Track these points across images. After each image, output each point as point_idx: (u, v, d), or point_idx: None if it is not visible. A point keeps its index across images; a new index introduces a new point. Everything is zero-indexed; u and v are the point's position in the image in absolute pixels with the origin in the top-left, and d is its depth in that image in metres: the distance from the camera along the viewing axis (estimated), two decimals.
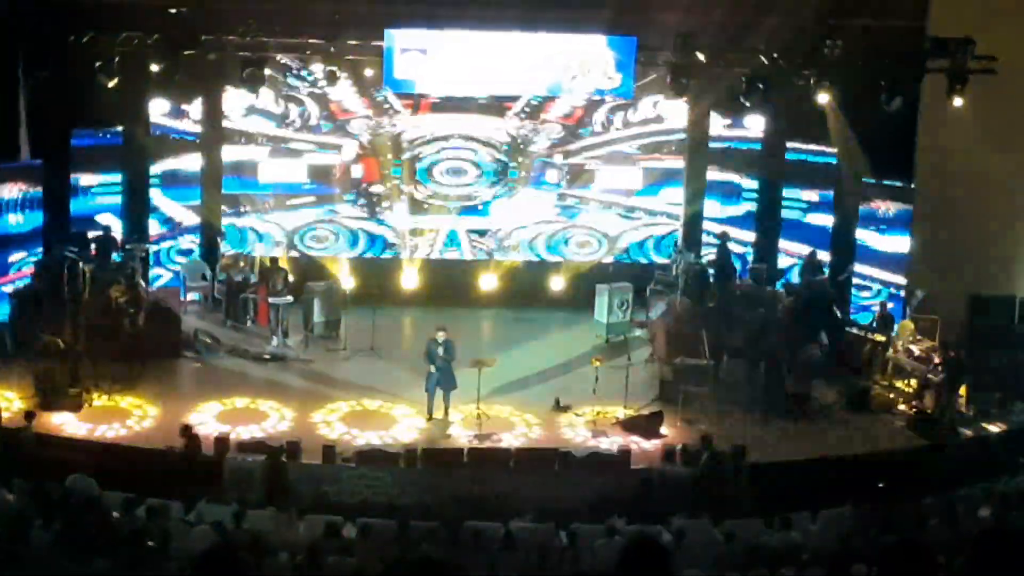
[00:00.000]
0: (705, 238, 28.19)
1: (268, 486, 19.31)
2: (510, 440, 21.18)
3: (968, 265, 26.37)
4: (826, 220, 26.91)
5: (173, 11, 22.67)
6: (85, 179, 25.62)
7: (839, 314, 25.25)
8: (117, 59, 22.93)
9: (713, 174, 28.15)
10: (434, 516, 18.21)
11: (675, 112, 27.96)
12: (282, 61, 26.35)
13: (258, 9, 23.86)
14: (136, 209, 26.45)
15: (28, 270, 24.23)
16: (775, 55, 24.05)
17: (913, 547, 6.12)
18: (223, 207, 27.55)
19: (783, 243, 27.62)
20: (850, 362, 24.14)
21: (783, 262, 27.45)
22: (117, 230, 25.91)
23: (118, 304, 23.59)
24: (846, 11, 24.70)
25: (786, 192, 27.56)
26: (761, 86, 24.23)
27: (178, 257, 27.23)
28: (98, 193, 25.90)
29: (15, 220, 24.42)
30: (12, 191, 24.26)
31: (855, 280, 26.28)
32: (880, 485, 18.92)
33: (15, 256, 24.44)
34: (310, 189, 27.74)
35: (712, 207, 28.24)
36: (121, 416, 21.46)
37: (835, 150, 26.36)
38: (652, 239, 28.53)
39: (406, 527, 17.16)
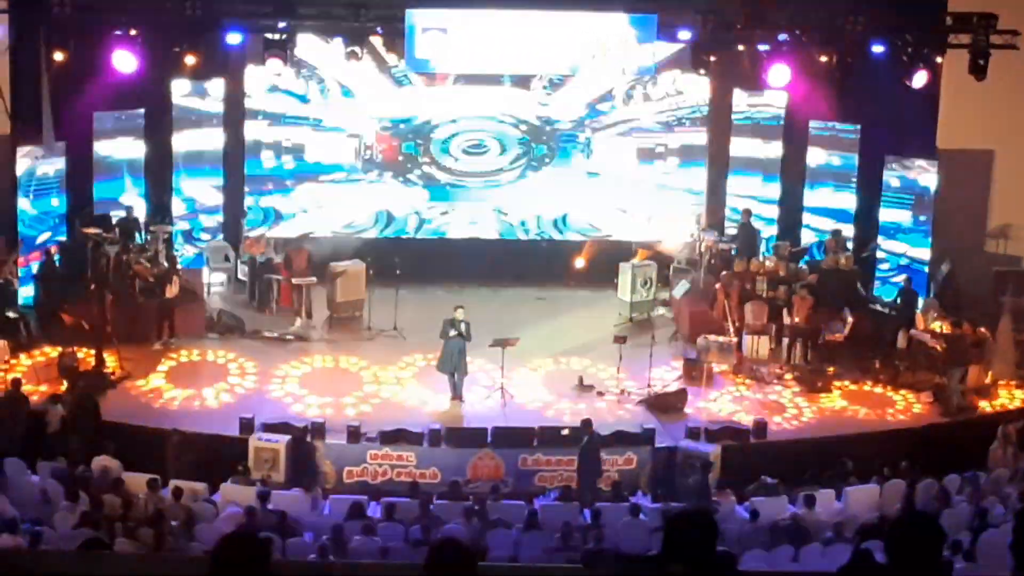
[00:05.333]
0: (728, 214, 28.08)
1: (293, 466, 19.40)
2: (534, 419, 21.17)
3: (993, 240, 26.34)
4: (850, 197, 26.72)
5: None
6: (107, 160, 25.61)
7: (863, 291, 25.18)
8: (138, 41, 22.97)
9: (745, 151, 27.94)
10: (458, 495, 18.27)
11: (697, 87, 27.83)
12: (303, 41, 26.27)
13: None
14: (159, 190, 26.45)
15: (38, 254, 24.19)
16: (797, 31, 23.96)
17: (921, 520, 6.16)
18: (246, 187, 27.55)
19: (807, 219, 27.46)
20: (874, 339, 24.04)
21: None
22: (140, 211, 25.92)
23: (145, 282, 23.72)
24: None
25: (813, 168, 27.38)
26: (783, 62, 24.18)
27: (203, 235, 27.23)
28: (121, 174, 25.89)
29: (38, 201, 24.44)
30: (35, 172, 24.28)
31: (879, 255, 26.13)
32: (903, 463, 18.90)
33: (41, 237, 24.47)
34: (333, 168, 27.71)
35: (746, 183, 28.06)
36: (145, 398, 21.55)
37: (858, 126, 26.23)
38: (677, 217, 28.38)
39: (430, 506, 17.22)
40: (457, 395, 21.72)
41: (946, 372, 22.43)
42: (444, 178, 27.96)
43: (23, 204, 24.11)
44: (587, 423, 19.89)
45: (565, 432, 20.14)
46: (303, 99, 27.30)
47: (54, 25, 22.91)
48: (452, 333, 21.45)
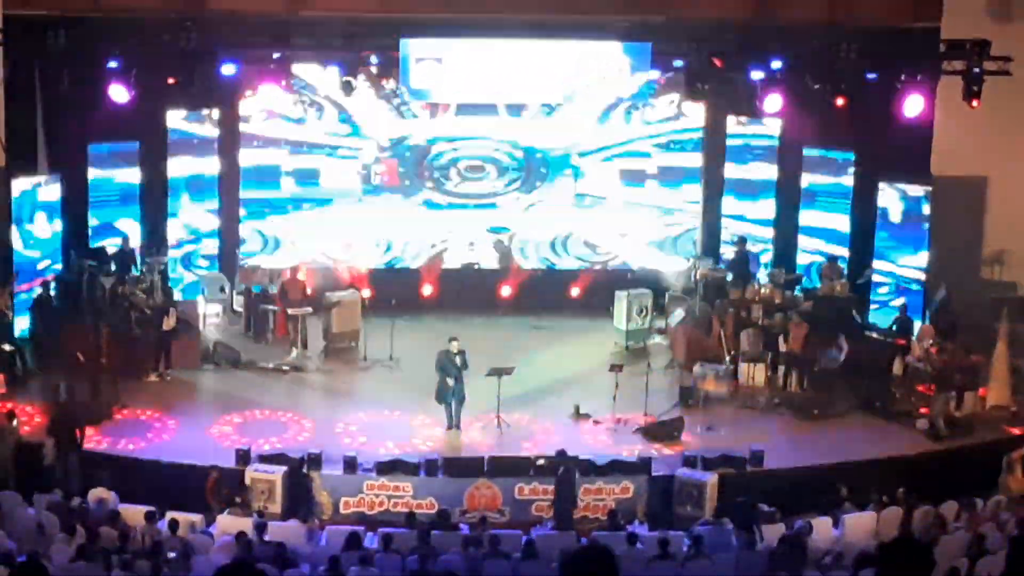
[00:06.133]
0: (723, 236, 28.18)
1: (290, 497, 19.37)
2: (530, 448, 21.12)
3: (988, 266, 26.34)
4: (844, 220, 26.73)
5: (188, 23, 22.68)
6: (103, 189, 25.61)
7: (858, 318, 25.14)
8: (133, 72, 22.97)
9: (730, 171, 28.04)
10: (447, 525, 18.24)
11: (692, 112, 27.94)
12: (298, 71, 26.32)
13: (274, 20, 23.96)
14: (154, 218, 26.44)
15: (39, 280, 24.22)
16: (791, 58, 23.99)
17: (911, 547, 6.17)
18: (242, 212, 27.57)
19: (802, 241, 27.47)
20: (870, 366, 23.99)
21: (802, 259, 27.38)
22: (136, 239, 25.88)
23: (141, 314, 23.69)
24: (862, 13, 24.64)
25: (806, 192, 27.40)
26: (777, 90, 24.21)
27: (201, 261, 27.25)
28: (115, 205, 25.88)
29: (35, 231, 24.42)
30: (31, 203, 24.27)
31: (874, 278, 26.09)
32: (900, 490, 18.85)
33: (39, 265, 24.47)
34: (330, 194, 27.75)
35: (728, 203, 28.14)
36: (142, 429, 21.51)
37: (852, 151, 26.26)
38: (669, 239, 28.47)
39: (427, 536, 17.17)
40: (454, 425, 21.70)
41: (935, 398, 22.44)
42: (443, 201, 28.00)
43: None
44: (562, 453, 19.80)
45: (541, 462, 20.10)
46: (300, 122, 27.35)
47: (48, 56, 22.91)
48: (447, 364, 21.44)
